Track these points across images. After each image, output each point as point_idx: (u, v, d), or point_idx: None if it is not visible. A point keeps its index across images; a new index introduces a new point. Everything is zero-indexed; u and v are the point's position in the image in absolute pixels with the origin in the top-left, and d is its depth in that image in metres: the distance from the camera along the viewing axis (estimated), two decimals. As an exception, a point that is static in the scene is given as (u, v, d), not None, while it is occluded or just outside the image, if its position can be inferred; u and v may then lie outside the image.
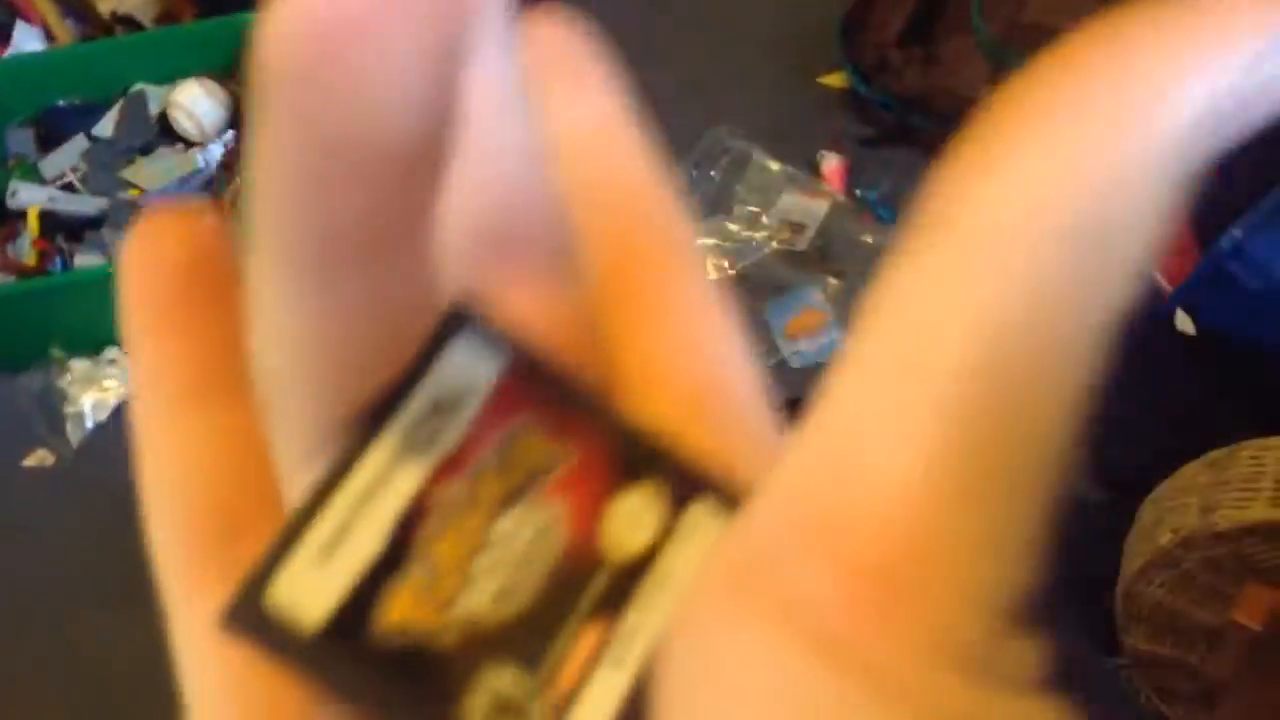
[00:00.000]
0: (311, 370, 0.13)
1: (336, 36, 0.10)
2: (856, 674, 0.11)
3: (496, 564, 0.14)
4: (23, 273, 1.70)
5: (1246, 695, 1.00)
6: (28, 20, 2.02)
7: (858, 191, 1.75)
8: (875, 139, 1.83)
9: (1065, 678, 0.12)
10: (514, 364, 0.15)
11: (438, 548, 0.14)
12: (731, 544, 0.12)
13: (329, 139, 0.11)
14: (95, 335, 1.65)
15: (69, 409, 1.60)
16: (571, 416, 0.15)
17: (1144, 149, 0.11)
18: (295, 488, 0.15)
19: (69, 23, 2.04)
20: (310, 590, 0.14)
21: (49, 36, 2.02)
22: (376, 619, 0.14)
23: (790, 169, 1.76)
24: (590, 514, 0.15)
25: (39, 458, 1.59)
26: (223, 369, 0.16)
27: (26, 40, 2.00)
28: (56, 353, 1.64)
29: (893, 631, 0.11)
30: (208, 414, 0.17)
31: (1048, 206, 0.11)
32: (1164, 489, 1.16)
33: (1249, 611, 1.05)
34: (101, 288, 1.60)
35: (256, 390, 0.14)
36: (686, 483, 0.15)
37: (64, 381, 1.62)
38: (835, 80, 1.92)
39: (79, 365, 1.64)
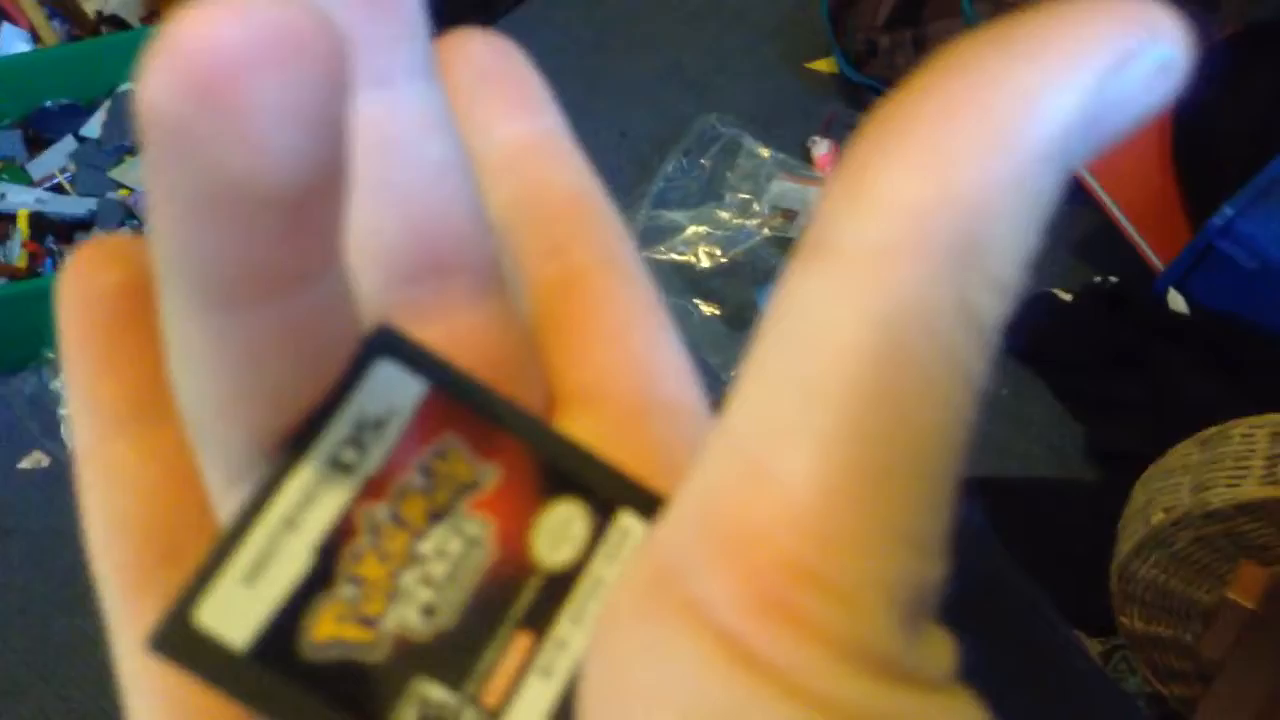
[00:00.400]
0: (228, 400, 0.13)
1: (212, 81, 0.10)
2: (763, 675, 0.11)
3: (423, 580, 0.15)
4: (13, 275, 1.69)
5: (1241, 673, 1.00)
6: (14, 22, 2.02)
7: (849, 176, 1.75)
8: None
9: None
10: (437, 384, 0.15)
11: (364, 567, 0.14)
12: (646, 550, 0.12)
13: (211, 181, 0.11)
14: (88, 336, 1.65)
15: (63, 411, 1.60)
16: (496, 433, 0.15)
17: (1010, 164, 0.11)
18: (224, 511, 0.15)
19: (55, 24, 2.04)
20: (237, 611, 0.14)
21: (35, 38, 2.02)
22: (304, 637, 0.14)
23: (781, 155, 1.75)
24: (518, 528, 0.15)
25: (34, 460, 1.59)
26: (158, 393, 0.17)
27: (13, 42, 2.00)
28: (49, 355, 1.64)
29: (798, 631, 0.11)
30: (145, 438, 0.17)
31: (921, 226, 0.11)
32: (1156, 468, 1.16)
33: (1243, 590, 1.05)
34: (92, 289, 1.60)
35: (181, 417, 0.15)
36: (614, 493, 0.16)
37: (57, 384, 1.62)
38: (824, 66, 1.92)
39: (73, 367, 1.64)
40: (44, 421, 1.60)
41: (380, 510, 0.15)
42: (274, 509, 0.14)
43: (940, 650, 0.12)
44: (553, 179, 0.19)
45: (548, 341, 0.18)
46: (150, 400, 0.17)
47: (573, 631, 0.15)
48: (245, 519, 0.14)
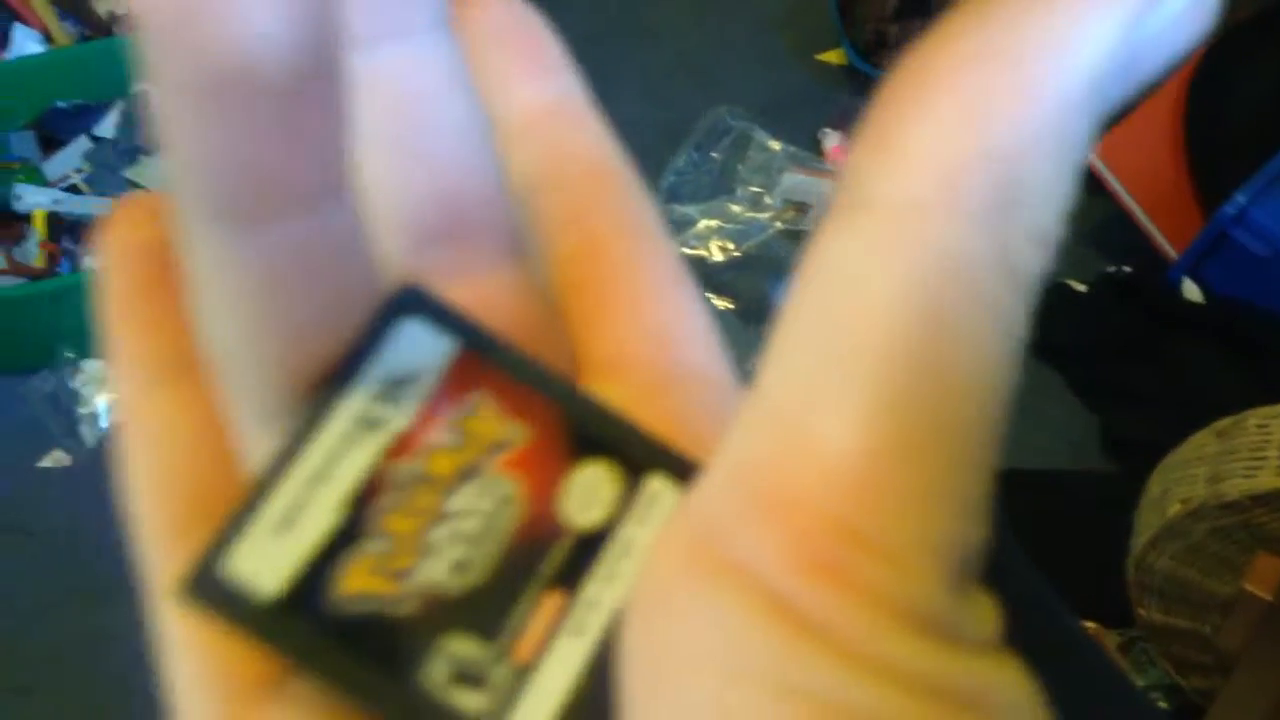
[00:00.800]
0: (250, 333, 0.13)
1: None
2: (812, 635, 0.11)
3: (453, 536, 0.15)
4: (31, 276, 1.70)
5: (1259, 665, 1.00)
6: (26, 23, 2.02)
7: (860, 168, 1.74)
8: (877, 115, 1.82)
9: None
10: (466, 343, 0.15)
11: (393, 522, 0.15)
12: (685, 513, 0.12)
13: (206, 70, 0.11)
14: (105, 336, 1.66)
15: (82, 410, 1.61)
16: (525, 393, 0.15)
17: (1044, 111, 0.11)
18: (251, 462, 0.15)
19: (67, 25, 2.04)
20: (267, 561, 0.14)
21: (48, 39, 2.03)
22: (333, 589, 0.14)
23: (792, 148, 1.75)
24: (547, 488, 0.15)
25: (55, 459, 1.60)
26: (198, 350, 0.16)
27: (25, 43, 2.00)
28: (67, 354, 1.64)
29: (847, 591, 0.11)
30: (185, 394, 0.17)
31: (956, 180, 0.11)
32: (1172, 459, 1.15)
33: (1260, 581, 1.04)
34: (109, 289, 1.60)
35: (209, 363, 0.15)
36: (643, 456, 0.16)
37: (76, 383, 1.63)
38: (834, 57, 1.91)
39: (91, 366, 1.64)
40: (63, 420, 1.60)
41: (410, 466, 0.15)
42: (304, 462, 0.14)
43: (985, 613, 0.12)
44: (573, 144, 0.19)
45: (570, 309, 0.18)
46: (189, 358, 0.17)
47: (603, 592, 0.15)
48: (275, 471, 0.14)
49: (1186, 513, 1.08)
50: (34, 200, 1.77)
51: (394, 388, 0.15)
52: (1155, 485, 1.15)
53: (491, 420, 0.15)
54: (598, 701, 0.14)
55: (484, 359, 0.15)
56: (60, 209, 1.77)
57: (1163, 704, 1.20)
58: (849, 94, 1.85)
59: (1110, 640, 1.23)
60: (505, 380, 0.15)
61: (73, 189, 1.83)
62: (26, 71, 1.93)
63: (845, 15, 1.84)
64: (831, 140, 1.77)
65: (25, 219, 1.76)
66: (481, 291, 0.16)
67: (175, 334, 0.17)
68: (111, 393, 0.17)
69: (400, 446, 0.15)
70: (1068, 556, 1.17)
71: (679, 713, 0.12)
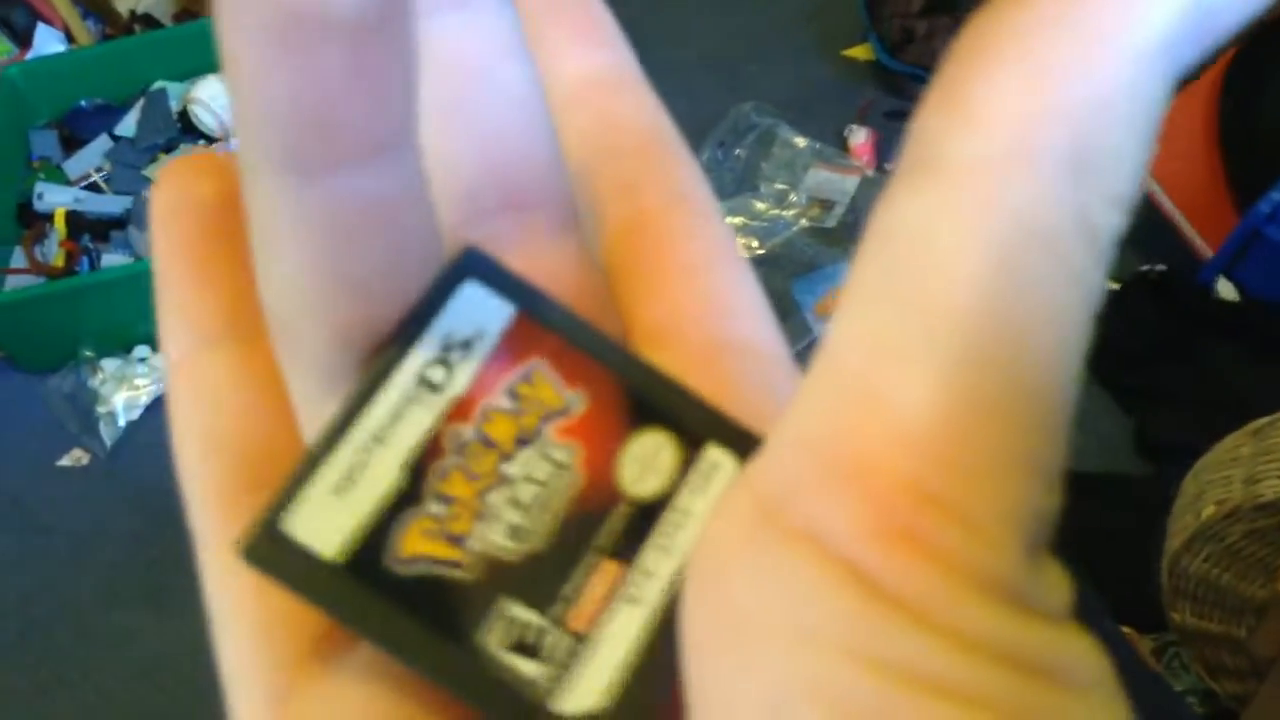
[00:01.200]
0: (313, 287, 0.13)
1: None
2: (889, 602, 0.11)
3: (511, 501, 0.15)
4: (51, 274, 1.71)
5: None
6: (48, 23, 2.03)
7: (887, 165, 1.73)
8: (903, 111, 1.81)
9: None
10: (525, 308, 0.15)
11: (451, 485, 0.14)
12: (752, 479, 0.12)
13: (281, 16, 0.11)
14: (124, 334, 1.67)
15: (101, 409, 1.62)
16: (583, 361, 0.15)
17: (1118, 70, 0.11)
18: (310, 423, 0.15)
19: (89, 24, 2.06)
20: (327, 523, 0.14)
21: (70, 38, 2.04)
22: (392, 551, 0.14)
23: (818, 144, 1.74)
24: (604, 456, 0.15)
25: (74, 457, 1.61)
26: (252, 311, 0.16)
27: (48, 42, 2.02)
28: (87, 353, 1.66)
29: (925, 559, 0.11)
30: (238, 356, 0.17)
31: (1031, 139, 0.11)
32: (1206, 460, 1.14)
33: (1297, 585, 1.03)
34: (129, 287, 1.61)
35: (269, 324, 0.14)
36: (701, 426, 0.15)
37: (95, 381, 1.64)
38: (861, 53, 1.90)
39: (109, 365, 1.66)
40: (83, 419, 1.62)
41: (467, 430, 0.15)
42: (363, 423, 0.14)
43: (1058, 584, 0.12)
44: (624, 114, 0.19)
45: (620, 280, 0.18)
46: (244, 318, 0.17)
47: (660, 562, 0.15)
48: (335, 432, 0.14)
49: (1221, 515, 1.06)
50: (55, 199, 1.78)
51: (453, 351, 0.15)
52: (1190, 487, 1.14)
53: (549, 386, 0.15)
54: (655, 671, 0.14)
55: (542, 325, 0.15)
56: (81, 208, 1.78)
57: (1197, 709, 1.19)
58: (875, 90, 1.84)
59: (1144, 645, 1.22)
60: (563, 346, 0.15)
61: (93, 187, 1.83)
62: (49, 71, 1.94)
63: (872, 10, 1.83)
64: (857, 136, 1.76)
65: (47, 218, 1.77)
66: (536, 262, 0.16)
67: (230, 296, 0.17)
68: (162, 351, 0.17)
69: (459, 410, 0.15)
70: (1101, 560, 1.16)
71: (747, 677, 0.11)
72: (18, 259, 1.75)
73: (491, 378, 0.15)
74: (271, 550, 0.14)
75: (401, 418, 0.14)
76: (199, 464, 0.17)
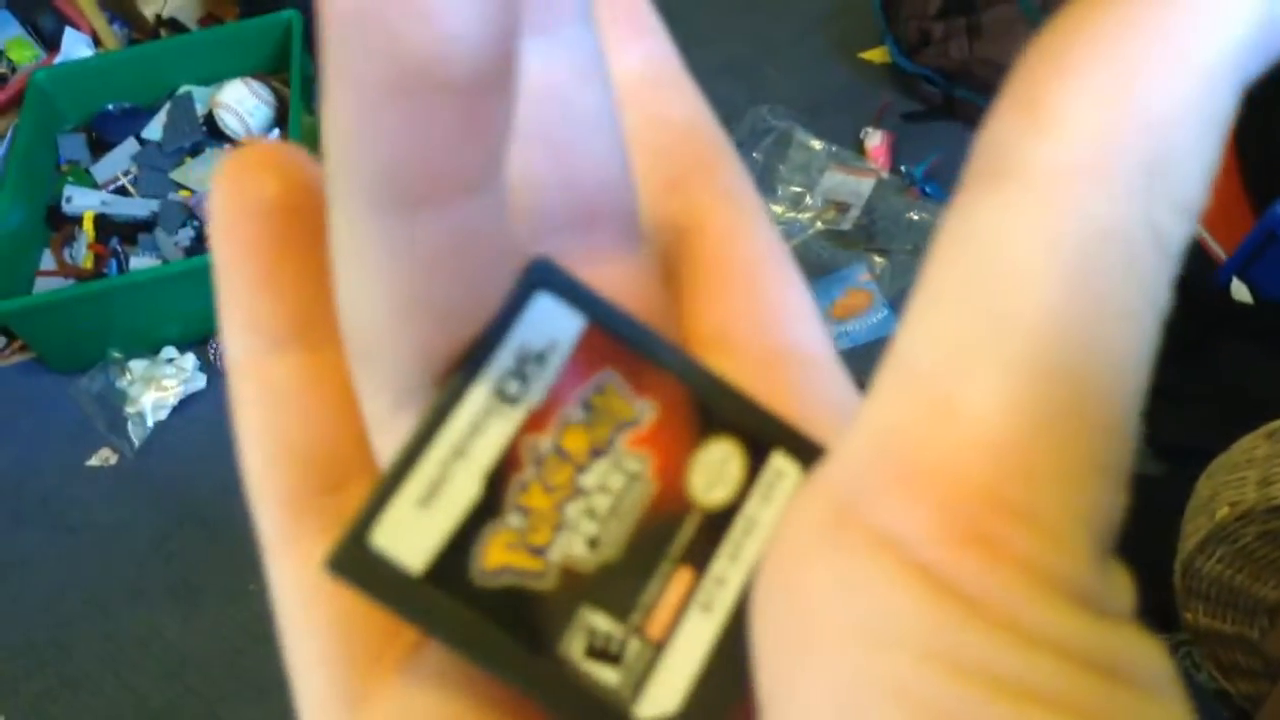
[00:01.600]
0: (397, 312, 0.13)
1: None
2: (965, 605, 0.11)
3: (588, 512, 0.15)
4: (80, 276, 1.73)
5: (1310, 671, 0.98)
6: (76, 27, 2.05)
7: (903, 168, 1.73)
8: (919, 114, 1.81)
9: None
10: (595, 319, 0.15)
11: (530, 497, 0.15)
12: (823, 482, 0.12)
13: (394, 66, 0.11)
14: (152, 336, 1.69)
15: (129, 409, 1.63)
16: (651, 370, 0.16)
17: (1192, 80, 0.11)
18: (383, 438, 0.15)
19: (115, 28, 2.07)
20: (412, 535, 0.14)
21: (96, 43, 2.06)
22: (476, 563, 0.14)
23: (834, 147, 1.74)
24: (675, 466, 0.15)
25: (102, 457, 1.62)
26: (317, 316, 0.16)
27: (75, 47, 2.04)
28: (115, 354, 1.67)
29: (1000, 562, 0.11)
30: (305, 361, 0.16)
31: (1108, 147, 0.11)
32: (1221, 462, 1.14)
33: (1310, 586, 1.03)
34: (157, 289, 1.63)
35: (345, 342, 0.15)
36: (767, 434, 0.16)
37: (123, 382, 1.65)
38: (877, 55, 1.90)
39: (137, 366, 1.67)
40: (111, 419, 1.63)
41: (544, 442, 0.15)
42: (444, 437, 0.14)
43: (1124, 585, 0.12)
44: (670, 110, 0.19)
45: (673, 282, 0.18)
46: (310, 322, 0.16)
47: (731, 569, 0.15)
48: (417, 446, 0.14)
49: (1235, 516, 1.06)
50: (84, 202, 1.80)
51: (528, 364, 0.15)
52: (1204, 488, 1.14)
53: (619, 397, 0.15)
54: (727, 675, 0.14)
55: (612, 335, 0.15)
56: (109, 210, 1.80)
57: (1211, 710, 1.19)
58: (892, 93, 1.84)
59: (1157, 645, 1.22)
60: (632, 357, 0.16)
61: (121, 191, 1.85)
62: (76, 75, 1.96)
63: (888, 13, 1.83)
64: (873, 139, 1.76)
65: (76, 220, 1.79)
66: (602, 276, 0.16)
67: (297, 300, 0.16)
68: (225, 352, 0.17)
69: (535, 422, 0.15)
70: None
71: (821, 679, 0.11)
72: (47, 261, 1.77)
73: (565, 389, 0.15)
74: (359, 563, 0.14)
75: (480, 431, 0.15)
76: (265, 467, 0.16)
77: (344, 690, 0.16)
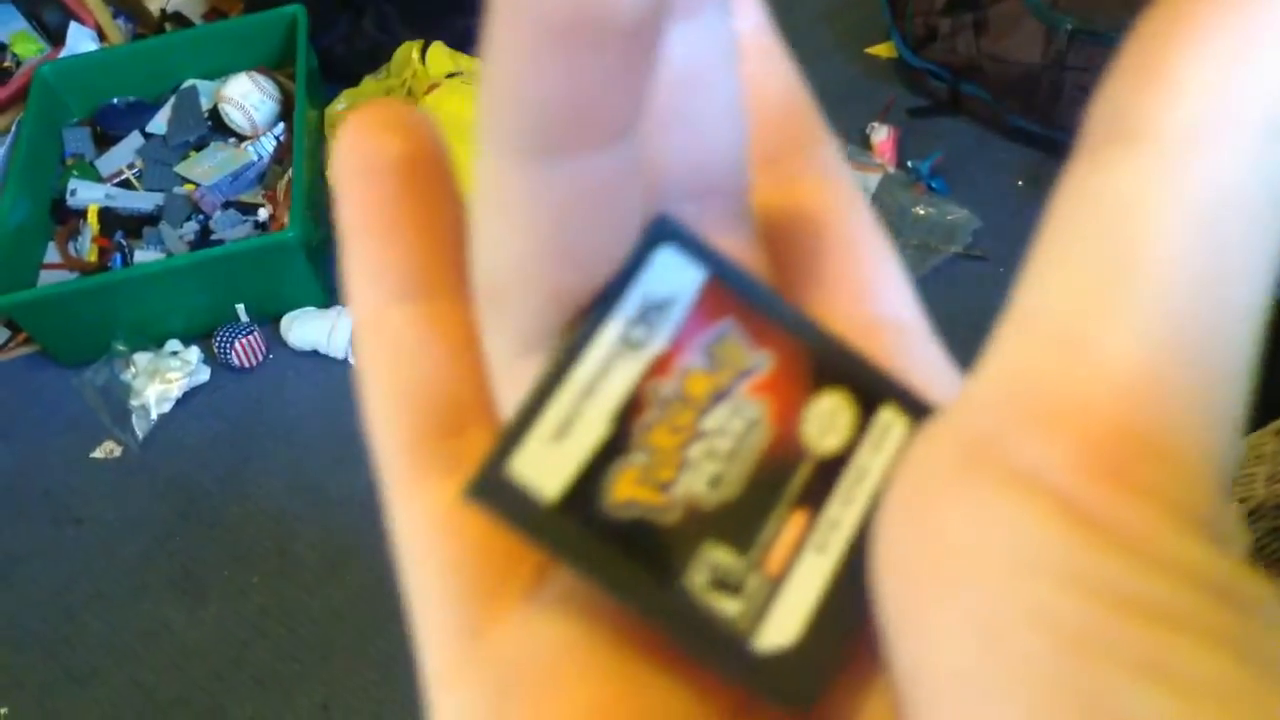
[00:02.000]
0: (534, 257, 0.14)
1: None
2: (1104, 535, 0.11)
3: (710, 452, 0.16)
4: (85, 269, 1.73)
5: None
6: (81, 21, 2.05)
7: (909, 163, 1.73)
8: (926, 109, 1.81)
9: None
10: (715, 272, 0.16)
11: (655, 436, 0.15)
12: (948, 426, 0.13)
13: (568, 16, 0.11)
14: (156, 329, 1.69)
15: (134, 402, 1.63)
16: (768, 324, 0.16)
17: None
18: (507, 383, 0.16)
19: (120, 22, 2.08)
20: (546, 467, 0.15)
21: (101, 37, 2.06)
22: (605, 495, 0.15)
23: (840, 142, 1.74)
24: (790, 414, 0.16)
25: (107, 450, 1.62)
26: (441, 265, 0.17)
27: (80, 41, 2.04)
28: (120, 347, 1.67)
29: (1139, 496, 0.11)
30: (429, 311, 0.17)
31: (1236, 109, 0.12)
32: (1230, 458, 1.13)
33: (1320, 582, 1.02)
34: (161, 282, 1.63)
35: (475, 288, 0.15)
36: (876, 388, 0.16)
37: (128, 375, 1.66)
38: (883, 50, 1.90)
39: (141, 359, 1.67)
40: (115, 412, 1.63)
41: (667, 386, 0.16)
42: (574, 377, 0.15)
43: (1237, 523, 0.13)
44: (766, 82, 0.19)
45: (774, 256, 0.18)
46: (433, 274, 0.17)
47: (844, 513, 0.16)
48: (549, 384, 0.15)
49: (1245, 513, 1.06)
50: (88, 195, 1.80)
51: (652, 312, 0.16)
52: (1212, 484, 1.13)
53: (739, 347, 0.16)
54: (844, 611, 0.15)
55: (730, 289, 0.16)
56: (113, 204, 1.80)
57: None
58: (898, 88, 1.84)
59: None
60: (750, 310, 0.16)
61: (125, 184, 1.85)
62: (81, 69, 1.96)
63: (895, 8, 1.83)
64: (880, 134, 1.76)
65: (80, 214, 1.79)
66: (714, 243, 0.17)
67: (422, 252, 0.17)
68: (350, 308, 0.17)
69: (658, 367, 0.16)
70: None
71: (961, 607, 0.12)
72: (52, 254, 1.78)
73: (687, 337, 0.16)
74: (496, 491, 0.15)
75: (608, 373, 0.15)
76: (388, 414, 0.17)
77: (466, 621, 0.16)
